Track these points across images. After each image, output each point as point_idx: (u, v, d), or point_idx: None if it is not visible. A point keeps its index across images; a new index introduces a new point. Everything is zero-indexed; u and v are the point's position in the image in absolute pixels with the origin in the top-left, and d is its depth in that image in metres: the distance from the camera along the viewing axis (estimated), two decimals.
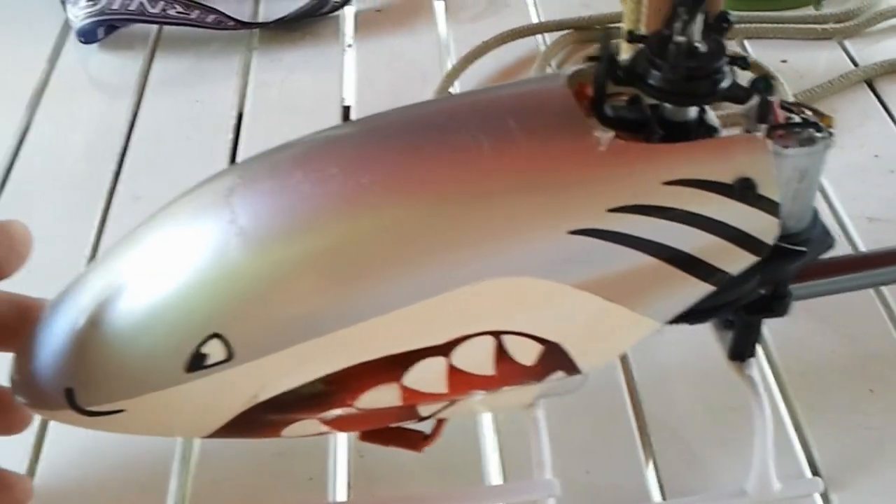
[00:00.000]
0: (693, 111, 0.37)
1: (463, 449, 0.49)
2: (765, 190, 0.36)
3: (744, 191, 0.35)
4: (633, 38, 0.37)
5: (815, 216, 0.39)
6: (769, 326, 0.52)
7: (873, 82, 0.72)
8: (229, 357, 0.35)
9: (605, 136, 0.35)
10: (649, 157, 0.36)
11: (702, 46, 0.36)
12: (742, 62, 0.36)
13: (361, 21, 0.81)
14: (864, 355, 0.52)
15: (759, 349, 0.51)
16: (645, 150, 0.36)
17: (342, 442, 0.49)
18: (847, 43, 0.76)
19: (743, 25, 0.77)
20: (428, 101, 0.39)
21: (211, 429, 0.38)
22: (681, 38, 0.35)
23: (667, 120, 0.37)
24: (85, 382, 0.36)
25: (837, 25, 0.77)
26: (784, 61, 0.74)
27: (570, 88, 0.38)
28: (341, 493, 0.47)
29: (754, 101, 0.36)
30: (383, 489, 0.47)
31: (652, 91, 0.36)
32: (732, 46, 0.75)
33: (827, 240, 0.39)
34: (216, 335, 0.34)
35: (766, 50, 0.75)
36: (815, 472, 0.47)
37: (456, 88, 0.72)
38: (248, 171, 0.37)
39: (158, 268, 0.36)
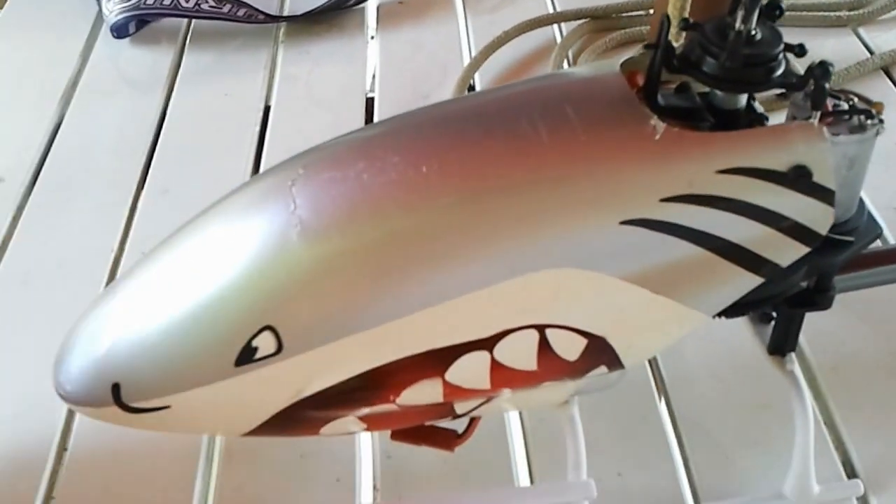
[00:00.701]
0: (743, 99, 0.35)
1: (490, 450, 0.45)
2: (820, 178, 0.33)
3: (798, 179, 0.33)
4: (686, 26, 0.34)
5: (862, 205, 0.36)
6: None
7: (890, 70, 0.68)
8: (279, 350, 0.32)
9: (660, 124, 0.33)
10: (703, 145, 0.33)
11: (758, 34, 0.33)
12: (800, 49, 0.33)
13: (384, 13, 0.77)
14: None
15: None
16: (699, 138, 0.33)
17: (366, 443, 0.46)
18: (861, 30, 0.72)
19: None
20: (485, 91, 0.38)
21: (252, 426, 0.35)
22: (741, 26, 0.32)
23: (716, 108, 0.35)
24: (132, 378, 0.33)
25: (851, 13, 0.72)
26: None
27: (624, 76, 0.35)
28: (367, 494, 0.43)
29: (807, 88, 0.33)
30: (410, 491, 0.44)
31: (706, 79, 0.34)
32: None
33: (874, 229, 0.36)
34: (268, 327, 0.32)
35: None
36: (851, 474, 0.43)
37: (476, 79, 0.68)
38: (313, 161, 0.35)
39: (214, 259, 0.33)
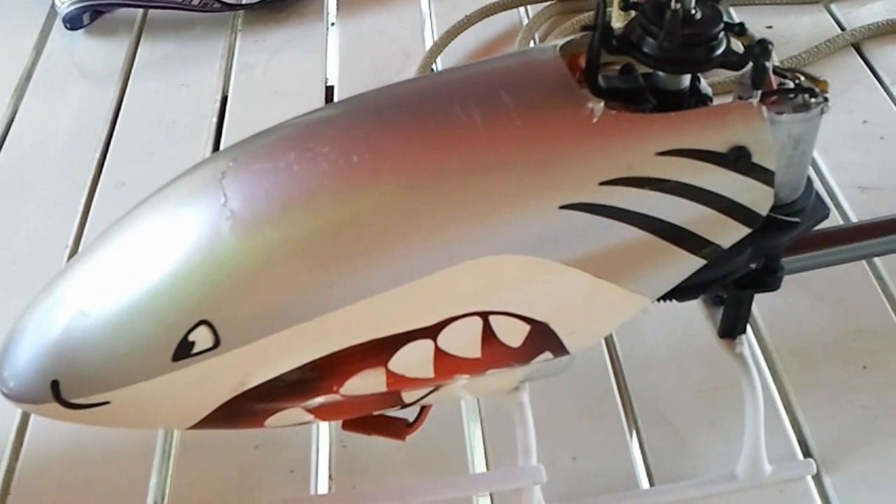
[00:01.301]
0: (686, 80, 0.35)
1: (447, 438, 0.46)
2: (759, 158, 0.34)
3: (738, 160, 0.34)
4: (627, 5, 0.35)
5: (809, 185, 0.37)
6: (758, 302, 0.49)
7: (861, 46, 0.69)
8: (216, 344, 0.33)
9: (598, 107, 0.33)
10: (642, 127, 0.34)
11: (697, 13, 0.34)
12: (739, 28, 0.34)
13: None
14: (856, 331, 0.50)
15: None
16: (638, 120, 0.34)
17: (324, 434, 0.47)
18: (833, 6, 0.73)
19: None
20: (420, 77, 0.38)
21: (195, 419, 0.36)
22: (677, 5, 0.33)
23: (660, 89, 0.36)
24: (71, 374, 0.34)
25: None
26: (769, 27, 0.71)
27: (563, 59, 0.35)
28: (323, 485, 0.45)
29: (748, 67, 0.34)
30: (366, 480, 0.45)
31: (647, 59, 0.34)
32: None
33: (821, 210, 0.37)
34: (204, 322, 0.33)
35: (750, 16, 0.72)
36: (807, 453, 0.45)
37: (438, 64, 0.69)
38: (242, 153, 0.35)
39: (147, 255, 0.34)
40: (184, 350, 0.33)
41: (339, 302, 0.33)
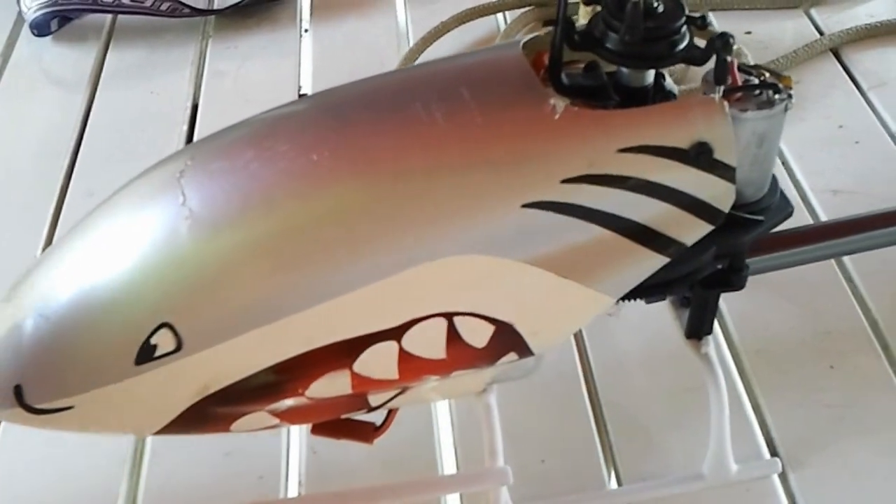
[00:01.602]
0: (650, 76, 0.36)
1: (417, 441, 0.47)
2: (721, 154, 0.34)
3: (699, 156, 0.34)
4: (590, 0, 0.36)
5: (774, 184, 0.38)
6: (727, 302, 0.51)
7: (839, 51, 0.71)
8: (178, 347, 0.33)
9: (560, 104, 0.34)
10: (603, 124, 0.34)
11: (660, 6, 0.34)
12: (701, 21, 0.35)
13: (318, 4, 0.79)
14: (824, 331, 0.51)
15: (716, 326, 0.50)
16: (599, 116, 0.35)
17: (294, 440, 0.48)
18: (813, 11, 0.75)
19: None
20: (382, 74, 0.38)
21: (161, 423, 0.36)
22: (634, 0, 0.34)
23: (624, 86, 0.36)
24: (34, 379, 0.35)
25: None
26: (748, 32, 0.72)
27: (527, 56, 0.36)
28: (293, 490, 0.46)
29: (712, 63, 0.35)
30: (336, 485, 0.46)
31: (609, 55, 0.35)
32: None
33: (786, 208, 0.38)
34: (165, 324, 0.33)
35: (730, 21, 0.73)
36: (774, 453, 0.46)
37: None
38: (200, 152, 0.36)
39: (107, 257, 0.35)
40: (146, 353, 0.33)
41: (303, 304, 0.33)
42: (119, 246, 0.35)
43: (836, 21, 0.73)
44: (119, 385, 0.34)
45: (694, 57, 0.35)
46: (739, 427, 0.46)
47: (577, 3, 0.38)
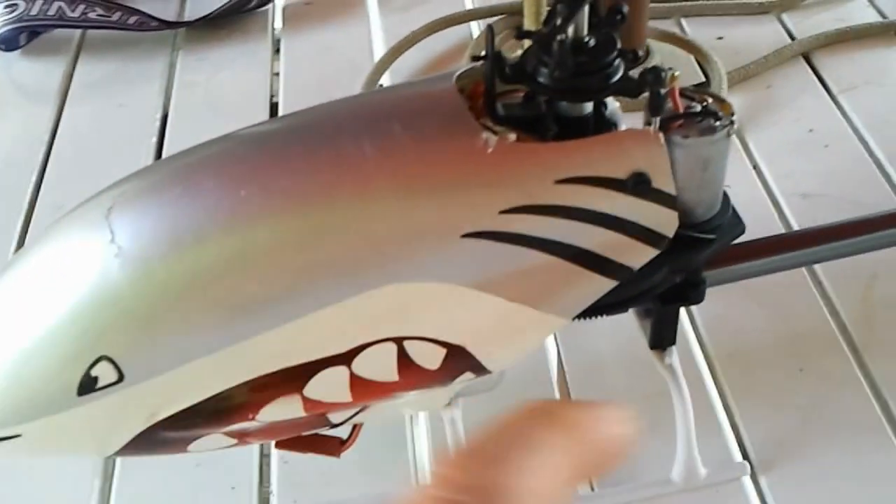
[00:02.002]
0: (588, 106, 0.37)
1: (392, 450, 0.48)
2: (659, 183, 0.35)
3: (637, 185, 0.35)
4: (521, 34, 0.36)
5: (726, 202, 0.39)
6: (698, 307, 0.52)
7: (810, 56, 0.72)
8: (120, 378, 0.34)
9: (492, 137, 0.35)
10: (539, 156, 0.35)
11: (591, 40, 0.35)
12: (632, 55, 0.36)
13: (290, 15, 0.80)
14: (794, 334, 0.52)
15: (688, 332, 0.52)
16: (534, 149, 0.35)
17: (267, 448, 0.49)
18: (785, 17, 0.76)
19: (679, 3, 0.77)
20: (313, 107, 0.38)
21: (112, 449, 0.37)
22: (562, 35, 0.34)
23: (563, 116, 0.37)
24: None
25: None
26: (720, 38, 0.74)
27: (465, 86, 0.37)
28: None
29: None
30: (308, 496, 0.47)
31: (540, 89, 0.36)
32: (669, 25, 0.75)
33: (738, 226, 0.39)
34: (104, 357, 0.34)
35: (702, 27, 0.75)
36: (745, 454, 0.47)
37: (386, 81, 0.71)
38: (129, 188, 0.37)
39: (43, 293, 0.35)
40: (88, 385, 0.34)
41: (243, 334, 0.34)
42: (53, 283, 0.35)
43: (807, 26, 0.74)
44: (65, 414, 0.35)
45: (628, 89, 0.35)
46: (711, 430, 0.47)
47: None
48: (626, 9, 0.36)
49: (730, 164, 0.61)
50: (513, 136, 0.35)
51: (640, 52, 0.36)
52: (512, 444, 0.24)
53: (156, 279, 0.34)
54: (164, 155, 0.67)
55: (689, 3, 0.77)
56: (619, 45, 0.35)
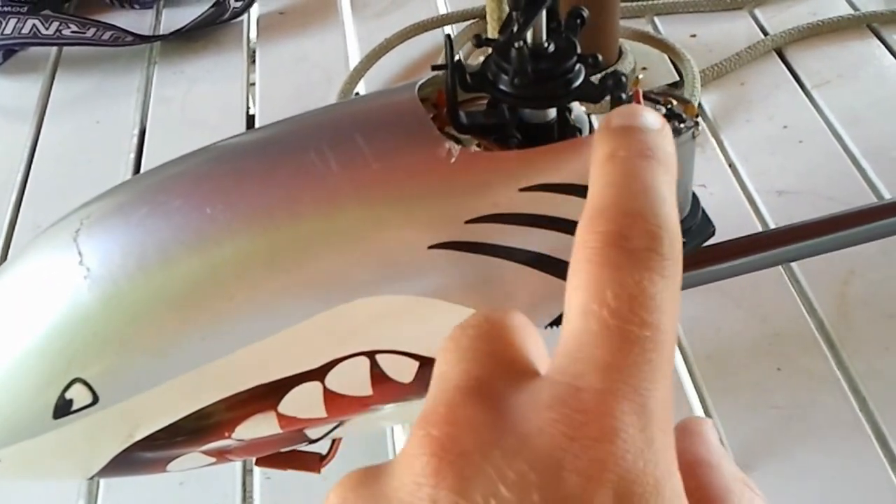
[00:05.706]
0: (552, 112, 0.36)
1: (374, 462, 0.48)
2: None
3: None
4: (479, 42, 0.36)
5: (696, 205, 0.39)
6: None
7: (783, 51, 0.72)
8: (95, 401, 0.34)
9: (455, 146, 0.34)
10: (503, 164, 0.35)
11: (550, 46, 0.35)
12: (593, 60, 0.35)
13: (264, 26, 0.80)
14: (772, 334, 0.52)
15: None
16: (498, 157, 0.35)
17: (249, 464, 0.49)
18: (758, 12, 0.76)
19: (652, 2, 0.76)
20: (279, 121, 0.38)
21: (91, 471, 0.37)
22: (520, 42, 0.34)
23: (527, 123, 0.37)
24: None
25: None
26: (693, 35, 0.73)
27: (429, 95, 0.37)
28: None
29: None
30: None
31: (501, 96, 0.35)
32: (642, 24, 0.75)
33: (708, 228, 0.39)
34: (78, 380, 0.34)
35: (675, 25, 0.75)
36: None
37: (361, 88, 0.71)
38: (95, 210, 0.37)
39: (15, 317, 0.35)
40: (63, 408, 0.34)
41: (215, 353, 0.34)
42: (24, 305, 0.35)
43: (780, 21, 0.74)
44: (42, 438, 0.35)
45: (589, 95, 0.35)
46: None
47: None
48: (585, 12, 0.35)
49: (705, 162, 0.62)
50: (476, 145, 0.35)
51: (612, 55, 0.35)
52: None
53: (125, 300, 0.34)
54: (143, 170, 0.67)
55: (661, 1, 0.76)
56: (578, 50, 0.35)
